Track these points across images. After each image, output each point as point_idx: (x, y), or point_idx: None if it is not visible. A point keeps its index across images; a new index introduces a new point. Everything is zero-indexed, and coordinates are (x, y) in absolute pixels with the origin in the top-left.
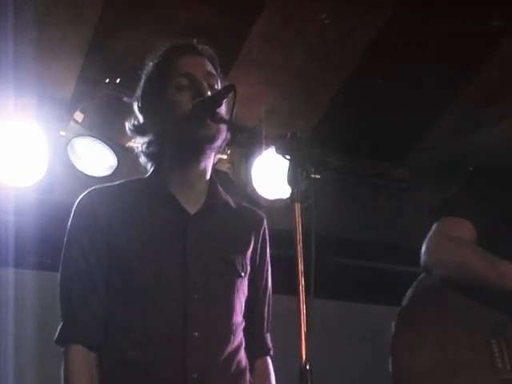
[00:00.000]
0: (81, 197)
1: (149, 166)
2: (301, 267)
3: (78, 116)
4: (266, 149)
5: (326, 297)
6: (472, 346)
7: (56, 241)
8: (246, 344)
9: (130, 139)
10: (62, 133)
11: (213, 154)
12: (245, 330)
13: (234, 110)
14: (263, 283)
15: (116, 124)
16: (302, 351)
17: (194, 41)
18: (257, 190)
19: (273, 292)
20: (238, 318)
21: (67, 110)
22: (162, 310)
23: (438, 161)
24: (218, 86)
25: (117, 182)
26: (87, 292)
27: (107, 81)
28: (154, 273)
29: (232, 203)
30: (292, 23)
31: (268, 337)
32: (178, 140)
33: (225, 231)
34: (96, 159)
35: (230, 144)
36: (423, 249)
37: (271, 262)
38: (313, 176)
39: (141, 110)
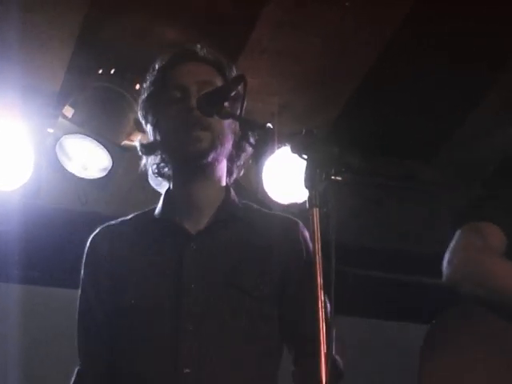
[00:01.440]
0: (92, 235)
1: (163, 189)
2: (320, 280)
3: (68, 111)
4: (278, 147)
5: (346, 313)
6: None
7: (43, 251)
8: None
9: (126, 137)
10: (50, 130)
11: (219, 163)
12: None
13: (244, 105)
14: (301, 300)
15: (111, 120)
16: (322, 375)
17: (197, 46)
18: (268, 193)
19: None
20: (250, 346)
21: (55, 104)
22: (152, 348)
23: (471, 161)
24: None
25: (129, 217)
26: (91, 336)
27: (100, 71)
28: (147, 309)
29: (252, 213)
30: (307, 6)
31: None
32: (175, 160)
33: (234, 248)
34: (88, 160)
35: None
36: (445, 261)
37: None
38: (333, 178)
39: (146, 125)
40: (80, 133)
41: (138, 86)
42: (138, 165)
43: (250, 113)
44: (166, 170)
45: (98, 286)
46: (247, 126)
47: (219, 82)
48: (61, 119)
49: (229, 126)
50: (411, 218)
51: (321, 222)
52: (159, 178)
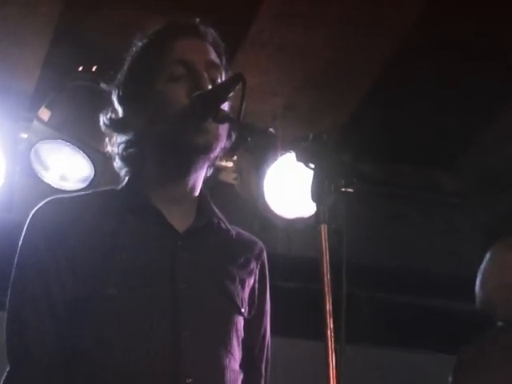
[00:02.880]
0: (37, 208)
1: (124, 172)
2: (329, 306)
3: (44, 113)
4: (282, 154)
5: (359, 342)
6: None
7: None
8: None
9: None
10: (24, 135)
11: (206, 165)
12: None
13: (243, 106)
14: (262, 330)
15: (92, 124)
16: None
17: (196, 20)
18: (271, 206)
19: (291, 336)
20: (237, 365)
21: (29, 105)
22: (148, 343)
23: (496, 169)
24: (221, 80)
25: (83, 192)
26: (47, 327)
27: (80, 69)
28: (138, 302)
29: (228, 225)
30: None
31: None
32: (166, 145)
33: (221, 257)
34: (67, 169)
35: (236, 149)
36: (478, 284)
37: (289, 296)
38: (343, 189)
39: (121, 100)
40: (57, 138)
41: None
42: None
43: (250, 115)
44: (133, 152)
45: (58, 268)
46: (246, 130)
47: (222, 68)
48: (36, 123)
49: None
50: (431, 234)
51: (330, 239)
52: (122, 162)
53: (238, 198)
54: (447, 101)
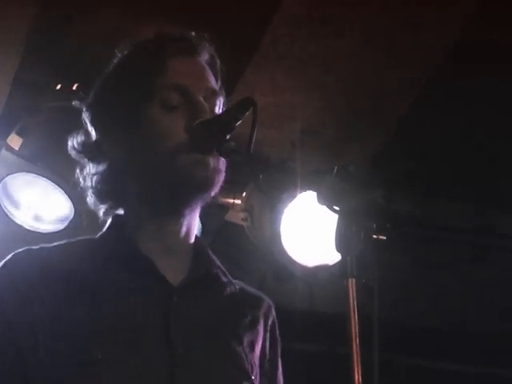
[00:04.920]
0: (6, 260)
1: (102, 211)
2: (358, 377)
3: (14, 141)
4: (301, 192)
5: None
6: None
7: None
8: None
9: None
10: None
11: (201, 206)
12: None
13: (254, 135)
14: None
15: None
16: None
17: (191, 34)
18: (288, 252)
19: None
20: None
21: None
22: None
23: None
24: (219, 109)
25: (58, 243)
26: None
27: (58, 87)
28: (126, 370)
29: (230, 277)
30: None
31: None
32: (156, 180)
33: (224, 316)
34: (42, 207)
35: (245, 183)
36: None
37: (310, 361)
38: (375, 237)
39: (97, 121)
40: (30, 171)
41: None
42: None
43: (262, 143)
44: (112, 187)
45: (32, 326)
46: (257, 166)
47: (221, 98)
48: (4, 152)
49: None
50: (483, 286)
51: (359, 296)
52: (98, 199)
53: (248, 241)
54: (502, 126)
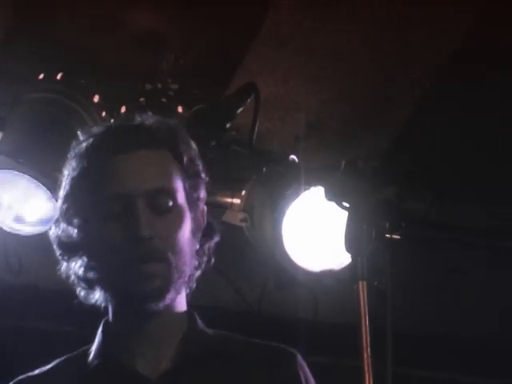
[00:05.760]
0: None
1: (93, 300)
2: None
3: None
4: (306, 189)
5: None
6: None
7: None
8: None
9: None
10: None
11: (179, 296)
12: None
13: (256, 126)
14: None
15: (56, 148)
16: None
17: (144, 120)
18: (291, 255)
19: None
20: None
21: None
22: None
23: None
24: (178, 201)
25: (50, 366)
26: None
27: (41, 76)
28: None
29: (231, 345)
30: None
31: None
32: (113, 289)
33: None
34: (23, 207)
35: (245, 180)
36: None
37: (315, 374)
38: (388, 236)
39: (64, 217)
40: (11, 168)
41: (96, 98)
42: None
43: (265, 136)
44: (94, 276)
45: None
46: (259, 160)
47: (178, 181)
48: None
49: (188, 224)
50: (503, 294)
51: (370, 301)
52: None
53: (248, 244)
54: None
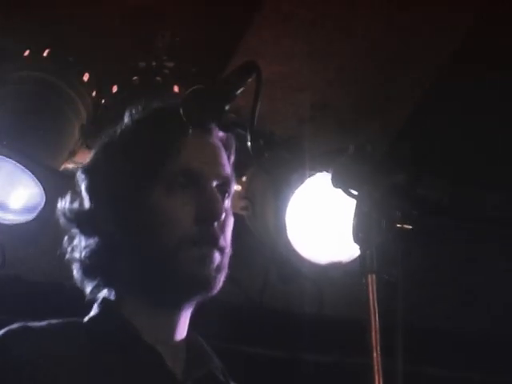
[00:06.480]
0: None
1: (88, 289)
2: None
3: None
4: (311, 175)
5: None
6: None
7: None
8: None
9: (67, 158)
10: None
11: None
12: None
13: (258, 107)
14: None
15: (43, 131)
16: None
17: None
18: (295, 246)
19: None
20: None
21: None
22: None
23: None
24: (230, 193)
25: (55, 321)
26: None
27: (27, 53)
28: None
29: (230, 381)
30: None
31: None
32: (152, 271)
33: None
34: (7, 194)
35: (246, 166)
36: None
37: (320, 373)
38: (399, 226)
39: (95, 191)
40: None
41: (86, 77)
42: None
43: (267, 118)
44: (103, 262)
45: None
46: (261, 141)
47: (233, 183)
48: None
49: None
50: None
51: (380, 295)
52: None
53: (249, 234)
54: None
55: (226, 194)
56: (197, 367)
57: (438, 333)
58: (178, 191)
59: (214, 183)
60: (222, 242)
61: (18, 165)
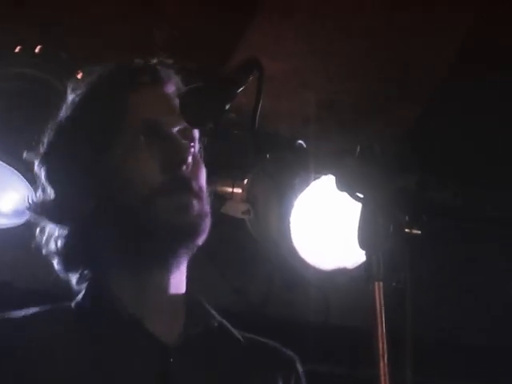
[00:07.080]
0: None
1: (74, 280)
2: None
3: None
4: (316, 178)
5: None
6: None
7: None
8: None
9: None
10: None
11: (190, 255)
12: None
13: (259, 106)
14: None
15: (34, 131)
16: None
17: (156, 61)
18: (300, 252)
19: None
20: None
21: None
22: None
23: None
24: (196, 143)
25: (33, 310)
26: None
27: (18, 49)
28: None
29: (232, 329)
30: None
31: None
32: (135, 233)
33: (230, 376)
34: None
35: (248, 168)
36: None
37: None
38: (408, 231)
39: (51, 176)
40: None
41: (80, 75)
42: None
43: (269, 118)
44: (80, 247)
45: None
46: (264, 144)
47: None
48: None
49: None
50: None
51: (388, 304)
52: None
53: (250, 239)
54: None
55: (191, 138)
56: (192, 326)
57: (453, 342)
58: (141, 146)
59: (175, 129)
60: (194, 186)
61: (8, 167)
